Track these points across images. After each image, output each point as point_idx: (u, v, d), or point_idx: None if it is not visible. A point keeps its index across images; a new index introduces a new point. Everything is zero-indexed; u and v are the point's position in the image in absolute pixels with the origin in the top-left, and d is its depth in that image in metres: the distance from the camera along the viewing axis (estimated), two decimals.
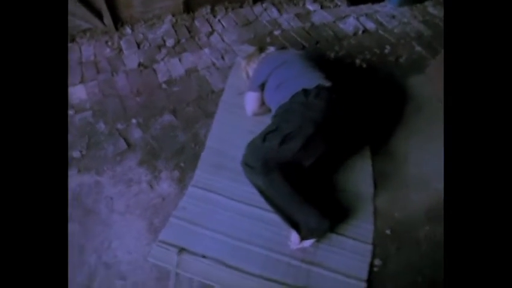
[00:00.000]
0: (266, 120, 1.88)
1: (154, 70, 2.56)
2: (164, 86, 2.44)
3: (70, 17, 2.73)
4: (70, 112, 2.36)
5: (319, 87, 1.73)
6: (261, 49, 2.29)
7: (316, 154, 1.70)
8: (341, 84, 1.91)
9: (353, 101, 1.94)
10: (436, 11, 3.51)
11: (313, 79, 1.80)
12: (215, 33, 2.90)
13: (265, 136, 1.65)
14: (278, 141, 1.59)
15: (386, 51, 2.94)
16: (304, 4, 3.40)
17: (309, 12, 3.29)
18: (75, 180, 1.99)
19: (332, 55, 2.83)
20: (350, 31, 3.11)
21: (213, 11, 3.11)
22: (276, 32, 2.97)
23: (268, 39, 2.89)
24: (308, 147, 1.62)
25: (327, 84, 1.78)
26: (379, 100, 2.44)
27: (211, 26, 2.97)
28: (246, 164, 1.66)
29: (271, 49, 2.27)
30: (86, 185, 1.98)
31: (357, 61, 2.79)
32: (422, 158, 2.13)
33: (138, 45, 2.76)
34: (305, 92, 1.72)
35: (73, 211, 1.84)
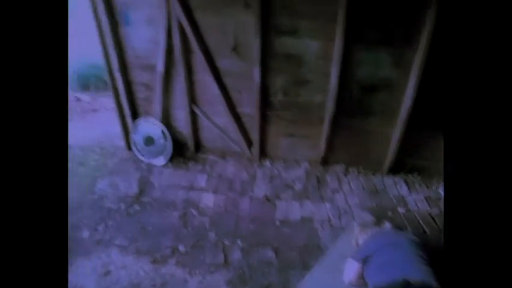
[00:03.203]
0: None
1: (275, 205, 2.96)
2: (277, 223, 2.80)
3: (226, 138, 3.48)
4: (194, 212, 2.88)
5: (423, 285, 1.72)
6: (378, 222, 2.45)
7: None
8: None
9: None
10: None
11: (419, 272, 1.81)
12: (341, 192, 3.22)
13: None
14: None
15: None
16: (437, 188, 3.51)
17: (440, 198, 3.37)
18: (168, 270, 2.41)
19: None
20: None
21: (346, 170, 3.50)
22: (400, 210, 3.12)
23: (389, 214, 3.06)
24: None
25: (434, 284, 1.74)
26: None
27: (340, 184, 3.32)
28: None
29: (387, 225, 2.43)
30: (175, 278, 2.34)
31: None
32: None
33: (270, 179, 3.26)
34: (405, 284, 1.75)
35: None
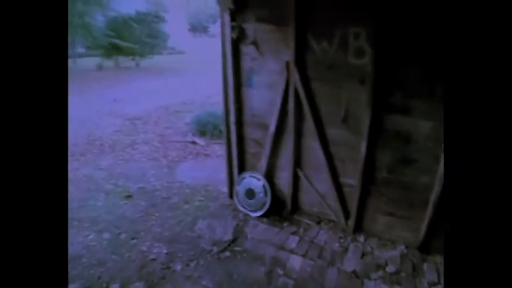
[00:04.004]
0: None
1: (363, 284, 2.88)
2: None
3: (324, 205, 3.55)
4: (280, 271, 2.95)
5: None
6: None
7: None
8: None
9: None
10: None
11: None
12: (439, 287, 2.98)
13: None
14: None
15: None
16: None
17: None
18: None
19: None
20: None
21: None
22: None
23: None
24: None
25: None
26: None
27: (438, 278, 3.07)
28: None
29: None
30: None
31: None
32: None
33: (362, 255, 3.19)
34: None
35: None
